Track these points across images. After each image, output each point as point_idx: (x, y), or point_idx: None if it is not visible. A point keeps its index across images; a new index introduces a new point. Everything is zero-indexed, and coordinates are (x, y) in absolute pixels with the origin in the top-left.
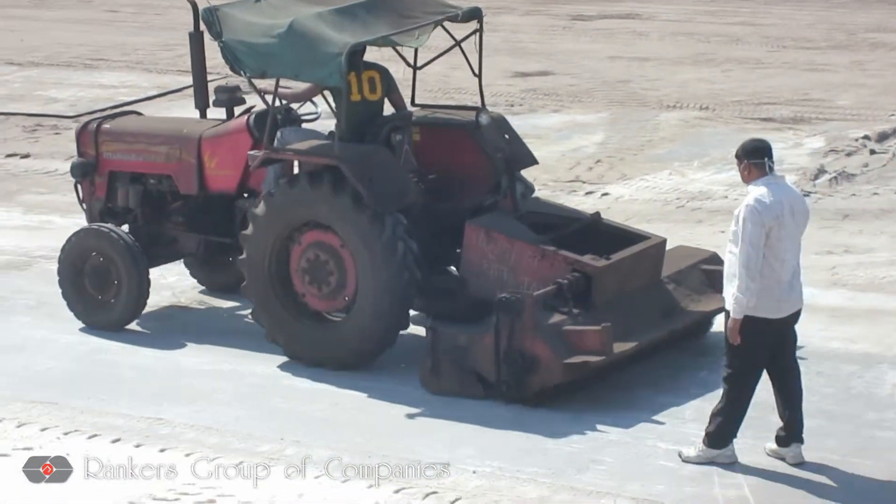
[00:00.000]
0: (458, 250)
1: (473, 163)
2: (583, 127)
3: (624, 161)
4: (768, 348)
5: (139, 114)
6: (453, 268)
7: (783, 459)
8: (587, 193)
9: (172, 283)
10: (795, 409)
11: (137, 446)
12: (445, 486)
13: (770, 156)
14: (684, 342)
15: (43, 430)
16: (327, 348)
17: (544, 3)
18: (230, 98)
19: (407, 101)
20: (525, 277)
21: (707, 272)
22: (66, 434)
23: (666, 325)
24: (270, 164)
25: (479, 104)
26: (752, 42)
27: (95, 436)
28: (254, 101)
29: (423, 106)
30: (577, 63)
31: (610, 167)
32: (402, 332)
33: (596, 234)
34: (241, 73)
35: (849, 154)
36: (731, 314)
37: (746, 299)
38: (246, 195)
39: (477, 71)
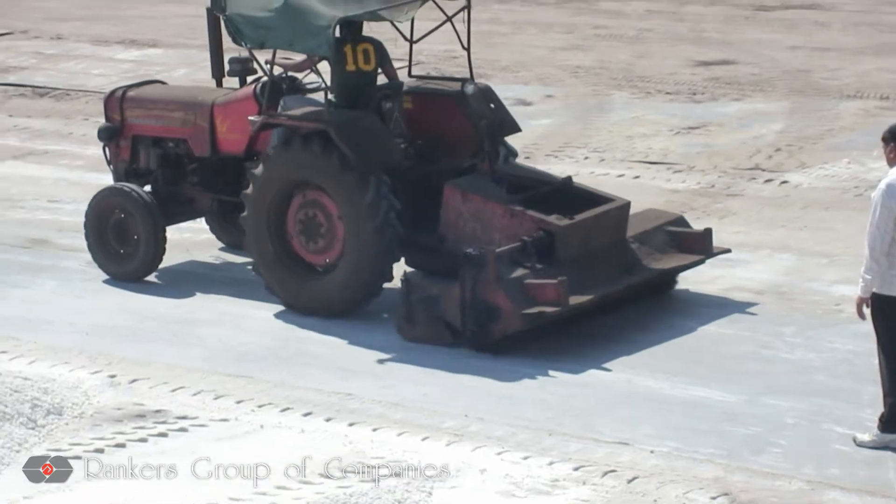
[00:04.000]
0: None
1: (459, 129)
2: (763, 115)
3: (803, 150)
4: None
5: (163, 83)
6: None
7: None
8: (766, 181)
9: None
10: None
11: (328, 420)
12: (623, 464)
13: None
14: (648, 297)
15: (238, 402)
16: (318, 298)
17: None
18: (243, 68)
19: (404, 72)
20: (496, 234)
21: (672, 233)
22: (260, 407)
23: (624, 280)
24: (268, 129)
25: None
26: None
27: (288, 409)
28: None
29: (417, 77)
30: (759, 52)
31: (789, 155)
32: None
33: (567, 196)
34: (242, 44)
35: None
36: (859, 292)
37: (871, 278)
38: (255, 158)
39: (466, 45)
